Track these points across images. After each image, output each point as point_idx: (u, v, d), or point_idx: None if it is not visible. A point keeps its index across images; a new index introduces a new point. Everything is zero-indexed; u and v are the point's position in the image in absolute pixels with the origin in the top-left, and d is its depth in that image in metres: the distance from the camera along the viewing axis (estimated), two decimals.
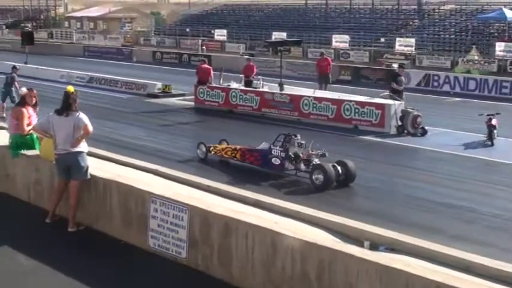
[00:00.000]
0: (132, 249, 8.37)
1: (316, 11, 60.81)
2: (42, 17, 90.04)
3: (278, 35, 49.29)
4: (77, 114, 8.94)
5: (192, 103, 26.79)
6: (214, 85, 26.17)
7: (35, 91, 10.54)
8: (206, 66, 27.57)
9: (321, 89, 27.38)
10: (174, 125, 21.68)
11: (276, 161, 15.21)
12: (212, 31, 59.03)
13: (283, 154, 15.07)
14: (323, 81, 28.54)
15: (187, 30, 62.61)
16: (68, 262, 7.98)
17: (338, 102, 22.38)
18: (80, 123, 8.89)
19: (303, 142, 15.28)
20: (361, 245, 7.50)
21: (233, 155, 16.25)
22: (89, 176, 9.02)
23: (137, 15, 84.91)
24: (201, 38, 58.53)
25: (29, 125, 10.10)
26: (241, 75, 27.74)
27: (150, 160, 12.82)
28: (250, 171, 15.76)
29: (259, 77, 27.00)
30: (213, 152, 16.71)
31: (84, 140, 9.04)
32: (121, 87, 32.15)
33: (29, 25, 76.93)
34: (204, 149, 16.88)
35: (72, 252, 8.37)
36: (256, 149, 15.97)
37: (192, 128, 23.32)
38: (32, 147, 10.18)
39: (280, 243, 6.84)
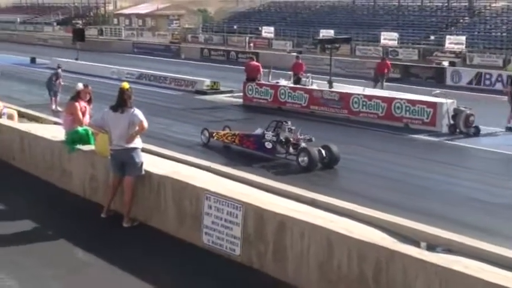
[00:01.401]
0: (185, 246, 8.36)
1: (364, 8, 60.31)
2: (91, 14, 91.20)
3: (325, 33, 49.03)
4: (132, 110, 8.96)
5: (241, 100, 26.83)
6: (263, 82, 26.15)
7: (89, 87, 10.65)
8: (255, 63, 27.60)
9: (375, 87, 27.20)
10: (223, 121, 21.59)
11: (268, 145, 16.51)
12: (259, 28, 59.07)
13: (274, 138, 16.38)
14: (379, 80, 28.40)
15: (235, 27, 62.71)
16: (123, 257, 8.02)
17: (388, 100, 22.19)
18: (135, 120, 8.91)
19: (292, 128, 16.53)
20: (418, 246, 7.39)
21: (232, 140, 17.62)
22: (143, 172, 9.04)
23: (185, 13, 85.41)
24: (249, 35, 58.58)
25: (83, 118, 10.23)
26: (290, 73, 27.69)
27: (199, 156, 12.87)
28: (245, 155, 17.03)
29: (308, 74, 26.91)
30: (215, 138, 18.07)
31: (138, 136, 9.06)
32: (170, 84, 32.43)
33: (80, 22, 78.00)
34: (207, 134, 18.41)
35: (127, 248, 8.41)
36: (251, 134, 17.26)
37: (240, 125, 23.24)
38: (87, 143, 10.27)
39: (336, 242, 6.77)
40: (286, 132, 16.43)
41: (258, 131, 17.10)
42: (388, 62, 30.60)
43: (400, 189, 14.10)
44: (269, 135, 16.54)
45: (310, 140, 16.17)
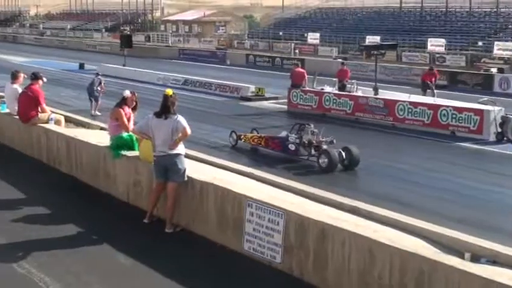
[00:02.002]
0: (227, 252, 8.36)
1: (411, 14, 59.84)
2: (139, 20, 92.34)
3: (372, 39, 48.81)
4: (175, 117, 8.99)
5: (285, 106, 26.84)
6: (307, 89, 26.11)
7: (136, 94, 10.76)
8: (300, 69, 27.63)
9: (425, 95, 26.97)
10: (268, 128, 21.67)
11: (292, 147, 17.21)
12: (305, 35, 59.05)
13: (297, 141, 17.08)
14: (427, 88, 28.16)
15: (281, 33, 62.86)
16: (165, 262, 8.05)
17: (434, 107, 21.95)
18: (178, 126, 8.94)
19: (315, 130, 17.19)
20: (462, 257, 7.27)
21: (259, 142, 18.35)
22: (186, 178, 9.06)
23: (231, 19, 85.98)
24: (294, 41, 58.59)
25: (129, 123, 10.34)
26: (334, 79, 27.60)
27: (244, 162, 12.90)
28: (270, 156, 17.84)
29: (353, 81, 26.80)
30: (243, 140, 18.82)
31: (181, 142, 9.11)
32: (215, 90, 32.62)
33: (127, 28, 79.04)
34: (235, 136, 19.09)
35: (169, 253, 8.43)
36: (276, 137, 18.06)
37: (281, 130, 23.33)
38: (132, 148, 10.35)
39: (378, 251, 6.70)
40: (309, 135, 17.08)
41: (283, 133, 17.89)
42: (436, 71, 30.20)
43: (445, 197, 13.93)
44: (292, 137, 17.26)
45: (331, 142, 16.77)
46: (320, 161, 16.28)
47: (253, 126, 19.98)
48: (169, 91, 9.24)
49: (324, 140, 16.90)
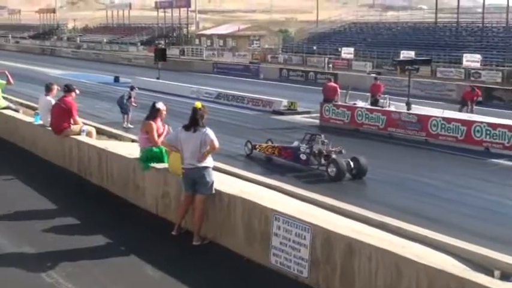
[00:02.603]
0: (254, 266, 8.33)
1: (446, 29, 59.46)
2: (174, 34, 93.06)
3: (406, 54, 48.53)
4: (204, 129, 9.00)
5: (317, 121, 26.78)
6: (340, 103, 26.04)
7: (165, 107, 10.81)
8: (333, 84, 27.58)
9: (460, 111, 26.76)
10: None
11: (303, 157, 17.78)
12: (339, 49, 58.96)
13: (308, 150, 17.67)
14: (466, 104, 27.96)
15: (314, 48, 62.83)
16: (192, 275, 8.06)
17: (468, 123, 21.73)
18: (206, 139, 8.94)
19: (325, 140, 17.79)
20: (491, 275, 7.15)
21: (272, 151, 18.96)
22: (214, 191, 9.06)
23: (265, 33, 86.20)
24: (328, 56, 58.54)
25: (158, 137, 10.36)
26: (367, 94, 27.49)
27: (274, 177, 12.89)
28: (282, 165, 18.36)
29: (386, 96, 26.67)
30: (258, 150, 19.41)
31: (210, 155, 9.12)
32: (247, 104, 32.69)
33: (162, 42, 79.66)
34: (250, 146, 19.71)
35: (196, 265, 8.43)
36: (288, 147, 18.68)
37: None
38: (161, 161, 10.39)
39: (405, 267, 6.61)
40: (319, 145, 17.68)
41: (295, 143, 18.51)
42: (478, 91, 29.88)
43: (476, 215, 13.78)
44: (303, 147, 17.86)
45: (340, 152, 17.29)
46: (329, 170, 16.80)
47: (283, 140, 20.01)
48: (198, 104, 9.25)
49: (333, 149, 17.42)
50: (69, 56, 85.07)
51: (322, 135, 18.20)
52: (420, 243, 8.24)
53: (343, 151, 17.33)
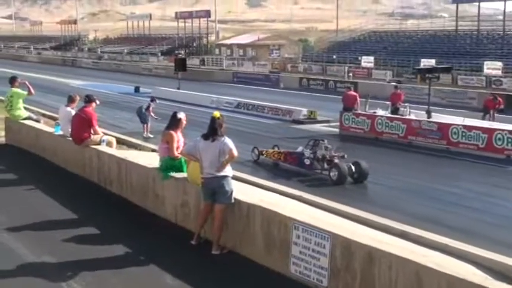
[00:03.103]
0: (273, 275, 8.29)
1: (467, 37, 59.12)
2: (194, 44, 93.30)
3: (427, 62, 48.31)
4: (223, 139, 8.99)
5: (337, 130, 26.70)
6: (360, 112, 25.96)
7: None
8: (352, 93, 27.49)
9: (483, 119, 26.57)
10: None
11: (307, 161, 18.32)
12: (359, 58, 58.80)
13: (312, 156, 18.22)
14: (488, 112, 27.77)
15: (334, 57, 62.73)
16: (211, 284, 8.07)
17: (489, 131, 21.55)
18: (225, 148, 8.93)
19: (328, 146, 18.42)
20: None
21: (278, 157, 19.46)
22: (233, 201, 9.05)
23: (285, 42, 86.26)
24: (348, 64, 58.43)
25: (177, 148, 10.36)
26: (387, 103, 27.39)
27: (293, 185, 12.87)
28: (287, 170, 18.88)
29: (406, 104, 26.56)
30: (265, 155, 19.88)
31: (229, 164, 9.11)
32: (267, 113, 32.64)
33: (182, 52, 79.88)
34: (257, 152, 20.12)
35: (216, 275, 8.42)
36: (293, 152, 19.18)
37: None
38: (181, 170, 10.40)
39: (426, 277, 6.55)
40: (323, 150, 18.19)
41: (299, 149, 18.96)
42: (501, 100, 29.66)
43: (498, 223, 13.65)
44: (307, 152, 18.40)
45: (343, 157, 17.85)
46: (331, 174, 17.33)
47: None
48: (217, 113, 9.24)
49: (336, 154, 17.98)
50: (90, 67, 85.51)
51: (326, 141, 18.83)
52: (441, 252, 8.19)
53: (345, 156, 17.87)
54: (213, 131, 9.04)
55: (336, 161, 17.64)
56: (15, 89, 16.88)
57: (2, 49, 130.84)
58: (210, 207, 9.22)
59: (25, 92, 16.90)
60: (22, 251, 9.11)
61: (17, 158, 16.16)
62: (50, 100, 33.45)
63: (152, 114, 24.83)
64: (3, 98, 17.45)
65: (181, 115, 10.60)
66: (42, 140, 15.96)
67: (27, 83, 17.07)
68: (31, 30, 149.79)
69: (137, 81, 53.60)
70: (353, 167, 17.32)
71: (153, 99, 26.02)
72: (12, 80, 17.01)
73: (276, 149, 19.93)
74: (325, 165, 17.89)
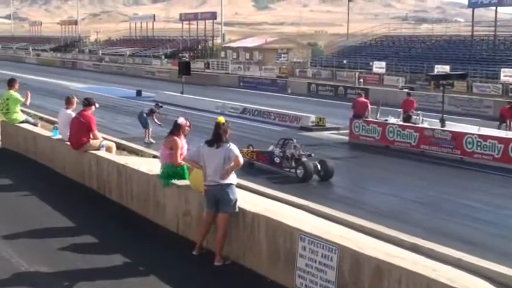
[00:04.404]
0: None
1: (483, 43, 58.55)
2: (199, 47, 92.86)
3: (441, 68, 47.87)
4: (228, 145, 8.74)
5: (347, 137, 26.39)
6: (370, 119, 25.56)
7: (189, 122, 10.49)
8: (363, 99, 27.13)
9: (499, 128, 26.19)
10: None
11: (277, 160, 19.24)
12: (370, 63, 58.27)
13: (281, 154, 19.15)
14: (504, 121, 27.41)
15: (345, 62, 62.35)
16: None
17: (506, 140, 21.19)
18: (230, 155, 8.69)
19: (297, 145, 19.39)
20: None
21: (251, 156, 20.02)
22: (237, 209, 8.78)
23: (294, 46, 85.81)
24: (359, 70, 57.99)
25: (181, 155, 10.03)
26: (399, 110, 27.05)
27: (300, 195, 12.55)
28: (258, 169, 19.54)
29: (418, 112, 26.26)
30: None
31: (233, 172, 8.81)
32: (274, 119, 32.32)
33: (186, 55, 79.51)
34: None
35: (218, 287, 8.18)
36: (265, 151, 20.06)
37: (346, 164, 22.84)
38: (183, 178, 10.10)
39: None
40: (292, 149, 19.15)
41: (270, 148, 19.90)
42: None
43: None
44: (277, 151, 19.35)
45: (309, 156, 18.98)
46: (298, 171, 18.36)
47: (315, 158, 19.70)
48: (221, 119, 8.99)
49: (303, 153, 19.01)
50: (90, 69, 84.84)
51: (295, 140, 19.85)
52: (453, 266, 7.90)
53: (312, 155, 19.04)
54: (217, 137, 8.79)
55: (304, 159, 18.56)
56: (12, 93, 16.48)
57: None
58: (213, 217, 8.94)
59: (22, 99, 16.53)
60: (16, 259, 8.84)
61: (13, 162, 15.83)
62: (48, 103, 33.38)
63: (156, 120, 24.47)
64: None
65: (181, 120, 10.33)
66: (40, 144, 15.63)
67: (29, 93, 16.68)
68: (30, 31, 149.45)
69: (139, 84, 53.28)
70: (319, 166, 18.33)
71: (157, 105, 25.70)
72: (11, 82, 16.64)
73: (250, 148, 20.47)
74: (293, 164, 18.82)
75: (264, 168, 19.32)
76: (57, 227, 10.42)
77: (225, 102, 38.05)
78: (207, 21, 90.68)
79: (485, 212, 15.56)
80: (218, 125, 8.83)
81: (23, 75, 52.18)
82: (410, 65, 55.64)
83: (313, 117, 30.53)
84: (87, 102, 13.18)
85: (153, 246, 9.61)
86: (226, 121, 8.95)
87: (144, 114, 24.58)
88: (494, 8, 59.47)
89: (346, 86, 51.44)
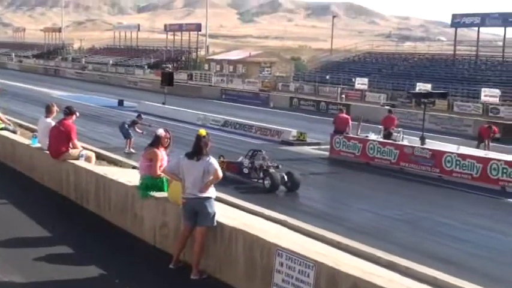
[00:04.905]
0: None
1: (465, 62, 59.02)
2: (183, 58, 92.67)
3: (422, 86, 48.13)
4: (208, 158, 8.69)
5: (327, 153, 26.36)
6: (351, 135, 25.59)
7: (169, 133, 10.42)
8: (344, 115, 27.19)
9: (478, 148, 26.31)
10: (307, 175, 21.22)
11: (245, 170, 19.57)
12: (353, 79, 58.42)
13: (250, 165, 19.55)
14: (483, 141, 27.54)
15: (327, 77, 62.47)
16: None
17: (484, 160, 21.17)
18: (210, 168, 8.63)
19: (265, 156, 19.85)
20: None
21: (221, 166, 18.95)
22: (215, 223, 8.70)
23: (277, 60, 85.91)
24: (341, 86, 58.09)
25: (160, 167, 9.95)
26: (380, 127, 27.10)
27: (279, 210, 12.49)
28: (226, 179, 17.73)
29: (399, 129, 26.28)
30: None
31: (212, 185, 8.75)
32: (255, 133, 32.21)
33: (170, 66, 79.22)
34: None
35: None
36: (234, 162, 20.36)
37: (325, 179, 22.82)
38: (162, 190, 10.01)
39: None
40: (260, 160, 19.59)
41: (240, 159, 20.21)
42: (496, 129, 29.36)
43: (491, 257, 13.30)
44: (246, 162, 19.68)
45: (277, 167, 19.35)
46: (265, 182, 18.83)
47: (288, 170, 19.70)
48: (202, 131, 8.94)
49: (271, 164, 19.37)
50: (73, 77, 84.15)
51: (264, 152, 20.31)
52: (429, 285, 7.87)
53: (279, 166, 19.35)
54: (198, 150, 8.72)
55: (271, 170, 18.94)
56: None
57: None
58: (191, 230, 8.86)
59: None
60: None
61: None
62: (28, 110, 33.12)
63: (138, 130, 24.36)
64: None
65: (160, 131, 10.27)
66: (18, 152, 15.48)
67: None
68: (13, 37, 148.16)
69: (121, 94, 53.11)
70: (286, 177, 18.68)
71: (139, 116, 25.60)
72: None
73: (221, 158, 20.17)
74: (261, 175, 19.21)
75: (232, 178, 19.33)
76: (33, 237, 10.29)
77: (206, 114, 37.84)
78: (191, 32, 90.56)
79: (462, 230, 15.56)
80: (199, 138, 8.78)
81: (5, 81, 51.71)
82: (393, 82, 55.92)
83: (294, 132, 30.48)
84: (68, 111, 13.04)
85: (129, 259, 9.52)
86: (207, 133, 8.92)
87: (126, 125, 24.45)
88: (476, 28, 59.96)
89: (328, 102, 51.46)
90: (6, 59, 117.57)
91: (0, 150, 16.45)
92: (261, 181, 19.15)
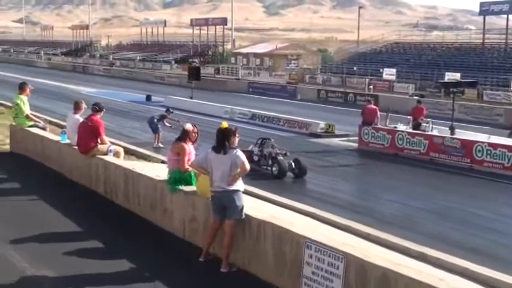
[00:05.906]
0: None
1: (494, 51, 58.20)
2: (210, 52, 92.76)
3: (451, 76, 47.55)
4: (235, 151, 8.71)
5: (356, 144, 26.21)
6: (380, 126, 25.43)
7: (197, 128, 10.44)
8: (372, 106, 27.00)
9: (509, 137, 26.00)
10: (335, 167, 21.17)
11: (255, 158, 19.83)
12: (381, 70, 57.92)
13: (259, 153, 20.06)
14: None
15: (355, 68, 62.04)
16: None
17: None
18: (237, 161, 8.65)
19: (274, 144, 20.46)
20: None
21: None
22: (243, 216, 8.71)
23: (304, 52, 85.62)
24: (369, 77, 57.69)
25: (188, 161, 9.99)
26: (409, 117, 26.90)
27: (309, 202, 12.47)
28: None
29: (428, 119, 26.05)
30: None
31: (240, 178, 8.75)
32: (283, 125, 32.14)
33: (197, 60, 79.29)
34: None
35: None
36: (245, 150, 21.01)
37: (354, 171, 22.71)
38: (190, 184, 10.05)
39: None
40: (269, 148, 20.14)
41: (250, 147, 20.46)
42: None
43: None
44: (256, 150, 20.22)
45: (285, 154, 19.97)
46: (273, 169, 19.40)
47: (320, 164, 19.90)
48: (224, 124, 9.00)
49: (279, 152, 19.96)
50: (101, 74, 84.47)
51: (272, 140, 20.88)
52: (460, 276, 7.81)
53: (287, 153, 19.97)
54: (220, 143, 8.74)
55: (279, 157, 19.52)
56: (22, 97, 16.41)
57: (11, 54, 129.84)
58: (220, 223, 8.89)
59: (26, 111, 16.46)
60: (21, 263, 8.81)
61: (21, 166, 15.81)
62: (58, 107, 33.30)
63: (167, 124, 24.48)
64: (10, 104, 17.00)
65: (188, 126, 10.31)
66: (48, 148, 15.58)
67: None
68: (42, 35, 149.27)
69: (149, 89, 53.15)
70: (293, 164, 19.34)
71: (168, 110, 25.69)
72: (22, 86, 16.60)
73: None
74: (270, 162, 19.74)
75: None
76: (64, 232, 10.39)
77: (233, 107, 37.88)
78: (217, 26, 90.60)
79: (493, 221, 15.39)
80: (221, 131, 8.83)
81: (34, 79, 52.14)
82: (421, 72, 55.35)
83: (322, 124, 30.35)
84: (98, 108, 13.12)
85: (159, 252, 9.55)
86: (230, 126, 8.95)
87: (155, 120, 24.58)
88: (505, 15, 59.11)
89: (356, 93, 51.16)
90: (35, 57, 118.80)
91: (30, 147, 16.58)
92: (269, 168, 19.64)
